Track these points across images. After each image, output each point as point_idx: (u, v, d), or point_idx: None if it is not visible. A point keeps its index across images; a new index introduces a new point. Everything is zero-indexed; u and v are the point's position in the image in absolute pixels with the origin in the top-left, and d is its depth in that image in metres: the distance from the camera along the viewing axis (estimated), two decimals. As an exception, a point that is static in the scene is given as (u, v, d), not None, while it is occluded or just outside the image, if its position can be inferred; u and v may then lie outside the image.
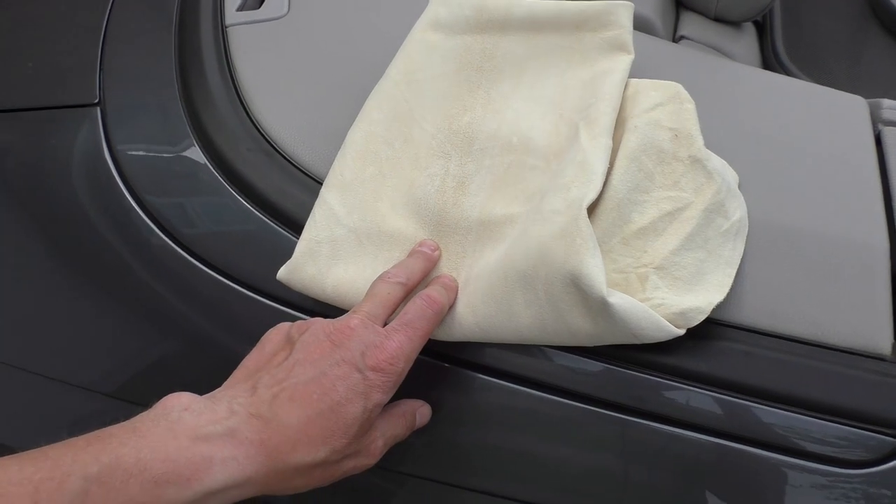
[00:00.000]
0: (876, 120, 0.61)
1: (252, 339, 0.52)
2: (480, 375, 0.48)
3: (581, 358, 0.47)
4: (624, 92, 0.51)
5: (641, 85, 0.52)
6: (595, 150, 0.46)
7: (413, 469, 0.50)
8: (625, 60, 0.53)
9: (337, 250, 0.49)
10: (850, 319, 0.47)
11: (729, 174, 0.50)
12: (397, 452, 0.50)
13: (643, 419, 0.46)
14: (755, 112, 0.59)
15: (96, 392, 0.56)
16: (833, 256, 0.50)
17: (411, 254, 0.48)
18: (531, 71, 0.55)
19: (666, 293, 0.44)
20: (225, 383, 0.41)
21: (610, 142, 0.47)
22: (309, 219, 0.50)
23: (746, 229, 0.49)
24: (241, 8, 0.65)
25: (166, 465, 0.33)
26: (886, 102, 0.63)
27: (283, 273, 0.49)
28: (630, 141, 0.48)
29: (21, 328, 0.58)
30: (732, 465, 0.45)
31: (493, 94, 0.54)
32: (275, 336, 0.44)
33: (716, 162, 0.49)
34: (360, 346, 0.39)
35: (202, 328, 0.54)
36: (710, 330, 0.46)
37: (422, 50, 0.56)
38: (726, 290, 0.46)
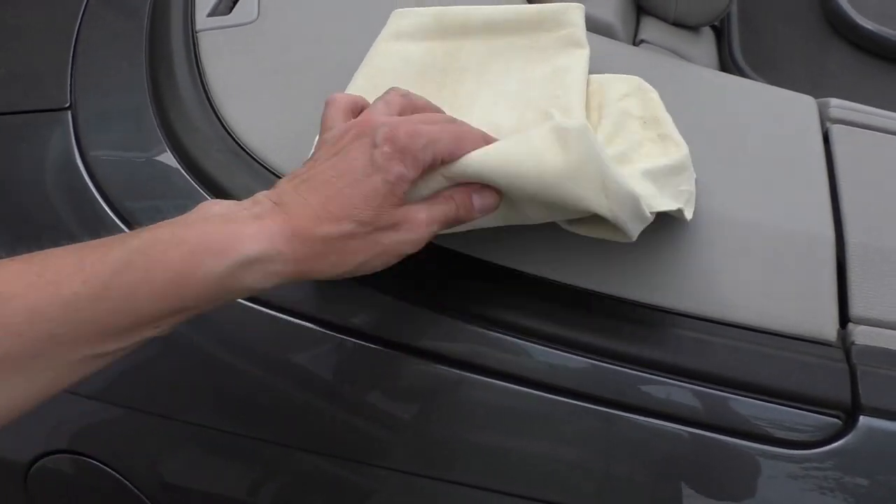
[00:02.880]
0: (824, 118, 0.64)
1: (225, 338, 0.54)
2: (463, 372, 0.50)
3: (549, 350, 0.49)
4: (588, 87, 0.54)
5: (605, 79, 0.55)
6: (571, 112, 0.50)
7: (396, 464, 0.52)
8: (582, 55, 0.56)
9: None
10: (798, 307, 0.50)
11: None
12: (380, 448, 0.51)
13: (596, 405, 0.48)
14: (710, 111, 0.61)
15: (75, 394, 0.57)
16: (782, 247, 0.52)
17: None
18: (494, 69, 0.57)
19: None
20: None
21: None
22: None
23: (694, 204, 0.51)
24: (211, 13, 0.66)
25: (200, 238, 0.34)
26: (834, 101, 0.65)
27: None
28: (605, 126, 0.51)
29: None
30: (686, 449, 0.47)
31: (459, 91, 0.56)
32: None
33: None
34: (379, 125, 0.39)
35: (178, 328, 0.54)
36: (661, 318, 0.49)
37: (385, 58, 0.57)
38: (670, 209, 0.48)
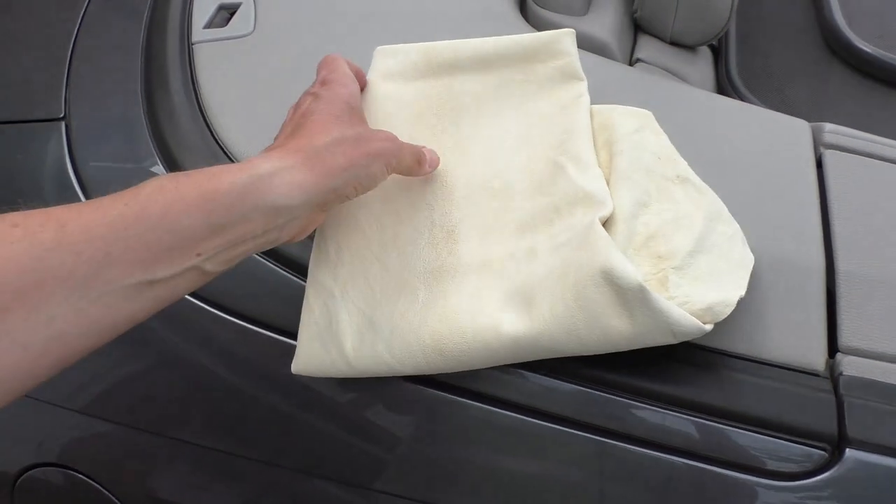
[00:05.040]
0: (818, 143, 0.64)
1: (217, 355, 0.54)
2: (458, 398, 0.49)
3: (542, 377, 0.49)
4: (593, 119, 0.54)
5: (612, 112, 0.54)
6: (590, 179, 0.49)
7: (390, 488, 0.51)
8: (580, 88, 0.55)
9: (340, 324, 0.48)
10: (787, 336, 0.50)
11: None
12: (375, 471, 0.51)
13: (586, 432, 0.48)
14: (703, 133, 0.61)
15: (64, 408, 0.57)
16: (772, 275, 0.52)
17: None
18: (489, 107, 0.55)
19: (689, 290, 0.45)
20: None
21: (599, 171, 0.49)
22: (304, 303, 0.50)
23: (745, 239, 0.51)
24: (208, 25, 0.66)
25: (219, 167, 0.39)
26: (828, 126, 0.65)
27: (297, 366, 0.49)
28: (620, 163, 0.50)
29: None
30: (670, 478, 0.47)
31: (458, 136, 0.54)
32: None
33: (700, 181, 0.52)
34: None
35: (167, 342, 0.54)
36: (650, 347, 0.48)
37: (378, 103, 0.55)
38: (744, 288, 0.47)
